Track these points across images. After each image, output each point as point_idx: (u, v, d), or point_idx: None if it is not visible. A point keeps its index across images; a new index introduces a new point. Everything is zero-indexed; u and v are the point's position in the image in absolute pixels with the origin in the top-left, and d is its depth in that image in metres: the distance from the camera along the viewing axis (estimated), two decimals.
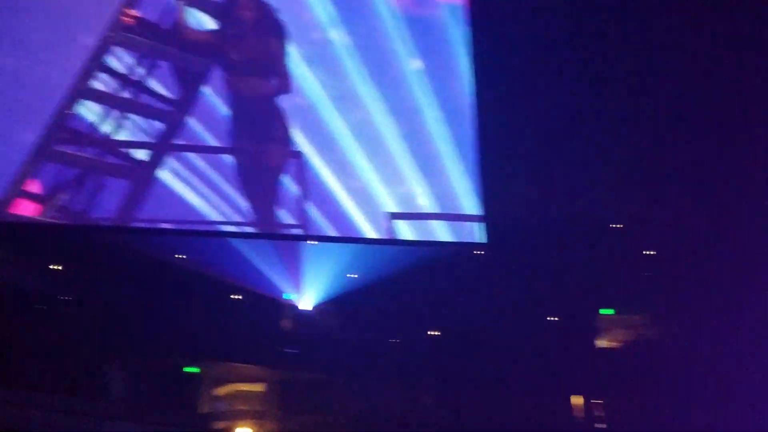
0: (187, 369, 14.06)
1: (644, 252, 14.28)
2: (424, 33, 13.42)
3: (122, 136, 12.41)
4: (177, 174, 12.51)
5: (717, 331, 13.14)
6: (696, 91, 13.65)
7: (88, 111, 12.33)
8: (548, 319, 14.26)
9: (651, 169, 13.87)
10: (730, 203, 13.48)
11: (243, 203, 12.69)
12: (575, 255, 13.94)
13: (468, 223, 13.14)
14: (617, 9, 13.74)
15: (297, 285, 14.16)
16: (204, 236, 12.99)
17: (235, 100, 12.72)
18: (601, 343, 14.43)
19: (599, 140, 13.91)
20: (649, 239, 14.21)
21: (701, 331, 13.39)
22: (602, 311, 14.37)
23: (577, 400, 13.94)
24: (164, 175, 12.44)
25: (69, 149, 12.29)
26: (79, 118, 12.31)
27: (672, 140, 13.79)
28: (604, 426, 13.95)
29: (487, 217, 13.08)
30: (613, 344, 14.39)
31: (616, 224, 14.30)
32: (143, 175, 12.39)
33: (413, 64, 13.28)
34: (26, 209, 12.40)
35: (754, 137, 13.49)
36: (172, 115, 12.53)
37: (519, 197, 13.59)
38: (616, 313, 14.36)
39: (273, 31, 12.83)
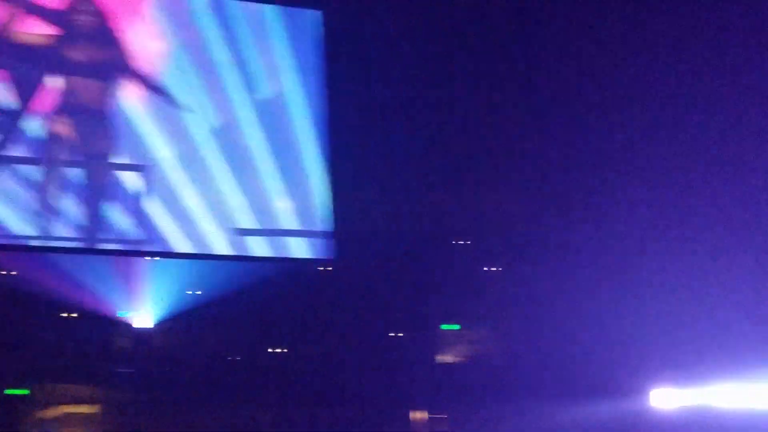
0: (10, 391, 13.34)
1: (489, 268, 14.64)
2: (277, 46, 13.28)
3: None
4: (8, 186, 11.75)
5: (561, 346, 13.62)
6: (548, 107, 14.10)
7: None
8: (391, 335, 14.39)
9: (496, 187, 14.21)
10: (578, 220, 13.97)
11: (80, 217, 12.08)
12: (421, 271, 14.15)
13: (316, 239, 13.05)
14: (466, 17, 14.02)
15: (136, 302, 13.69)
16: (35, 252, 12.26)
17: (73, 109, 12.09)
18: (445, 358, 14.69)
19: (447, 158, 14.17)
20: (494, 255, 14.59)
21: (543, 345, 13.83)
22: (446, 326, 14.63)
23: (420, 415, 14.12)
24: None
25: None
26: None
27: (518, 159, 14.18)
28: None
29: (336, 233, 13.04)
30: (457, 359, 14.67)
31: (462, 240, 14.61)
32: None
33: (265, 79, 13.09)
34: None
35: (602, 146, 14.00)
36: (3, 125, 11.79)
37: (368, 214, 13.65)
38: (461, 328, 14.66)
39: (113, 40, 12.32)
